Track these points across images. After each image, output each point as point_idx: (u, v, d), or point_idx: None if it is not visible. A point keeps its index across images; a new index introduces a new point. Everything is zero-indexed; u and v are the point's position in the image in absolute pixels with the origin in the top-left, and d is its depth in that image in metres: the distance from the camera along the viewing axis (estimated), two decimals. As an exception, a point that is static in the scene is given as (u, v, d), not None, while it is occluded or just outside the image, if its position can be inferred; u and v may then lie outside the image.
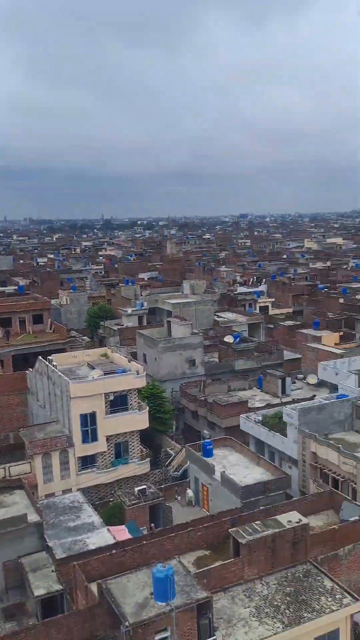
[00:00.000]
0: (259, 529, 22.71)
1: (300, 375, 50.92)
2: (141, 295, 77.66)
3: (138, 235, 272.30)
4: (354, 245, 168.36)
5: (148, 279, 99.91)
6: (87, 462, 36.79)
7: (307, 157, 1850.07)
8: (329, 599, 20.77)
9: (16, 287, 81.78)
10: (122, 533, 26.78)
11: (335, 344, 54.55)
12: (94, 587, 19.96)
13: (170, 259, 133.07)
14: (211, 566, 22.26)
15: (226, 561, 22.29)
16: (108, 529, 27.03)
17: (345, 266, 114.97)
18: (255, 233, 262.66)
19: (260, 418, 39.08)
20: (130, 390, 38.52)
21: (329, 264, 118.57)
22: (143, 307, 70.04)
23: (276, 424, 37.80)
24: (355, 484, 30.78)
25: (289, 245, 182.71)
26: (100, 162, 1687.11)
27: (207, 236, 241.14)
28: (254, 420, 39.03)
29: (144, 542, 23.39)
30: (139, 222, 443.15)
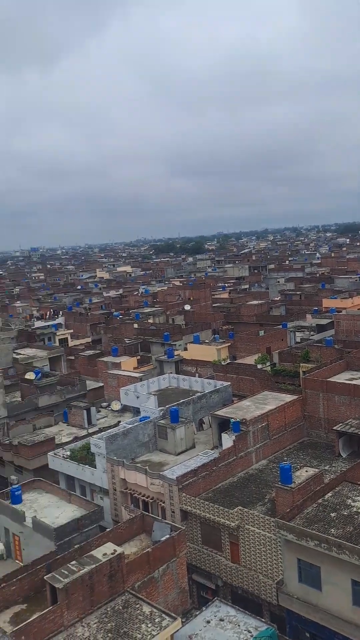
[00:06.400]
0: (75, 569, 23.65)
1: (105, 403, 56.20)
2: None
3: None
4: (141, 272, 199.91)
5: None
6: None
7: (83, 191, 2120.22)
8: (149, 625, 22.63)
9: None
10: None
11: (134, 368, 62.42)
12: None
13: None
14: (29, 620, 22.87)
15: (44, 611, 22.99)
16: None
17: (136, 292, 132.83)
18: (48, 266, 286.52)
19: (68, 453, 41.75)
20: None
21: (121, 291, 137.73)
22: None
23: (85, 456, 40.69)
24: (163, 503, 34.69)
25: (82, 276, 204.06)
26: None
27: None
28: (62, 457, 41.62)
29: None
30: None
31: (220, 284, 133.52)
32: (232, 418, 39.04)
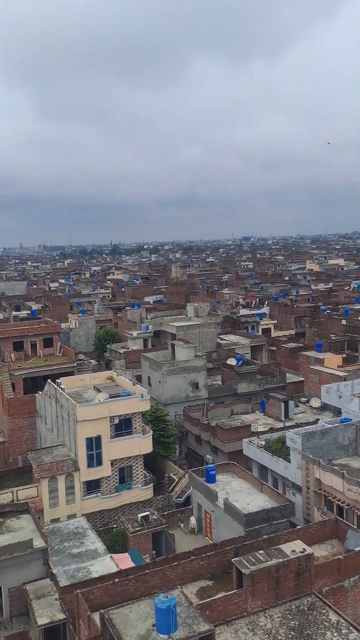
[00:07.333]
0: (262, 558, 24.04)
1: (304, 399, 55.16)
2: (146, 318, 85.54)
3: (144, 260, 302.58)
4: (355, 266, 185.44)
5: (153, 302, 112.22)
6: (91, 486, 40.34)
7: (301, 180, 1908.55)
8: (335, 634, 21.97)
9: (29, 312, 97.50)
10: (124, 561, 29.94)
11: (338, 366, 59.12)
12: (96, 616, 22.80)
13: (174, 282, 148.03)
14: (214, 597, 24.14)
15: (229, 592, 24.00)
16: (111, 557, 30.33)
17: (347, 287, 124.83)
18: (258, 255, 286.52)
19: (263, 443, 41.44)
20: (134, 413, 41.74)
21: (330, 285, 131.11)
22: (148, 330, 77.73)
23: (279, 449, 39.89)
24: (360, 511, 32.49)
25: (291, 267, 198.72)
26: (106, 191, 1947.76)
27: (210, 259, 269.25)
28: (257, 445, 41.32)
29: (147, 570, 25.91)
30: (145, 247, 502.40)
31: None
32: None
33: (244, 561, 23.89)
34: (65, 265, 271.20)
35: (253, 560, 23.86)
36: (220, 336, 76.22)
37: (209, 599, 23.73)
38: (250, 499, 35.27)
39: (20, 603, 27.77)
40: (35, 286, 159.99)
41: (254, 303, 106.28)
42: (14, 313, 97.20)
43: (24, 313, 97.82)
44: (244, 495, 35.79)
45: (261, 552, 24.54)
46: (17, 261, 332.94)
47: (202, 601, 23.63)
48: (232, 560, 24.59)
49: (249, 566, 23.43)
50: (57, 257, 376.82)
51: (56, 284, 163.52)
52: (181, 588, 23.89)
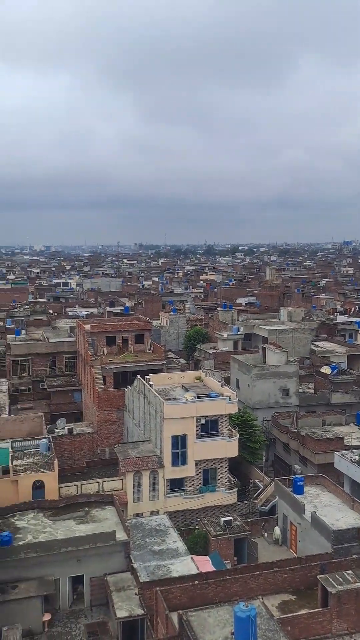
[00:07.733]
0: (350, 579, 23.08)
1: None
2: (238, 320, 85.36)
3: (238, 261, 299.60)
4: None
5: (246, 304, 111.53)
6: (175, 485, 40.51)
7: None
8: None
9: (123, 308, 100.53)
10: (205, 564, 29.71)
11: None
12: (174, 616, 23.00)
13: (269, 285, 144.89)
14: (296, 613, 23.44)
15: (313, 610, 23.17)
16: (192, 558, 30.19)
17: None
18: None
19: (357, 457, 39.60)
20: (221, 415, 41.06)
21: None
22: (239, 332, 77.27)
23: None
24: None
25: None
26: (203, 191, 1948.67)
27: (307, 263, 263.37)
28: (350, 460, 39.52)
29: (227, 576, 25.55)
30: (240, 248, 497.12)
31: None
32: None
33: (331, 579, 22.99)
34: (160, 264, 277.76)
35: (340, 579, 22.90)
36: (315, 343, 74.33)
37: (291, 614, 23.09)
38: (339, 515, 33.83)
39: (101, 593, 28.42)
40: (129, 283, 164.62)
41: (353, 310, 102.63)
42: (108, 308, 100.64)
43: (117, 309, 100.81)
44: (333, 511, 34.38)
45: (349, 572, 23.54)
46: (113, 259, 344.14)
47: (284, 615, 23.04)
48: (318, 576, 23.76)
49: (336, 585, 22.51)
50: (151, 256, 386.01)
51: (150, 282, 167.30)
52: (262, 599, 23.39)
